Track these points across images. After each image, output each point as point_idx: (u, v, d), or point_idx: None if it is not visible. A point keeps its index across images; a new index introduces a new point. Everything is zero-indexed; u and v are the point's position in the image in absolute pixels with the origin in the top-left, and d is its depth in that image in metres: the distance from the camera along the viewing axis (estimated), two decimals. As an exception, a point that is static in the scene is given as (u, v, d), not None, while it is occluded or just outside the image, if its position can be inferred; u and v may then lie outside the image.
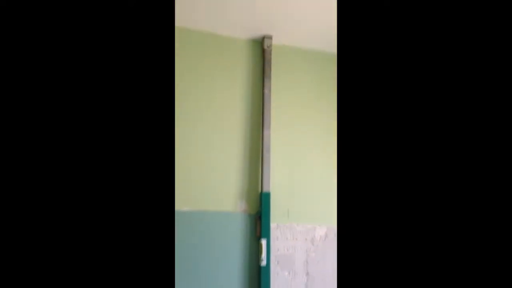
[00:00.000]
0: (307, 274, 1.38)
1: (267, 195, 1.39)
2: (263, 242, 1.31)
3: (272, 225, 1.38)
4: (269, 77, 1.53)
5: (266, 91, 1.53)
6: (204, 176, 1.39)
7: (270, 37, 1.55)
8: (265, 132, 1.48)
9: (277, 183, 1.46)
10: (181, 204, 1.32)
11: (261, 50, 1.57)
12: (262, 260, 1.28)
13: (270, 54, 1.56)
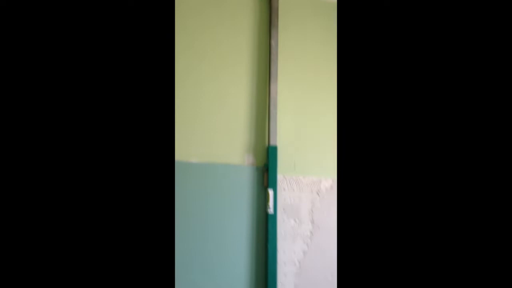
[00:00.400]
0: (312, 222, 1.45)
1: (274, 149, 1.42)
2: (270, 192, 1.36)
3: (279, 176, 1.42)
4: (276, 28, 1.48)
5: (273, 42, 1.48)
6: (212, 129, 1.42)
7: (277, -16, 1.47)
8: (272, 86, 1.46)
9: (284, 136, 1.48)
10: (190, 156, 1.37)
11: (267, -2, 1.50)
12: (269, 208, 1.34)
13: (277, 2, 1.48)
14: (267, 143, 1.46)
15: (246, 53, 1.49)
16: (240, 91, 1.48)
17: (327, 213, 1.48)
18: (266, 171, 1.40)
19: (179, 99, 1.38)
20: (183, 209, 1.30)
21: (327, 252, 1.43)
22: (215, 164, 1.39)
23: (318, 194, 1.49)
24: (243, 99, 1.48)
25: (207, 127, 1.42)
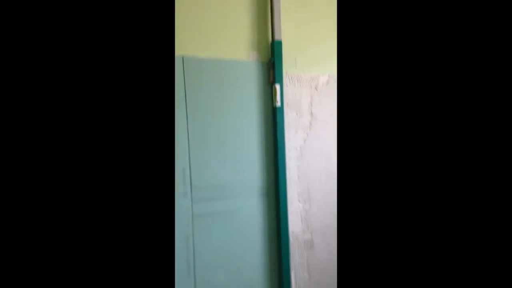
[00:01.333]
0: (311, 114, 1.60)
1: (279, 44, 1.43)
2: (277, 86, 1.43)
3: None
4: None
5: None
6: (216, 26, 1.36)
7: None
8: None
9: (285, 33, 1.48)
10: (197, 51, 1.33)
11: None
12: (277, 102, 1.44)
13: None
14: (270, 39, 1.46)
15: None
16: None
17: (324, 105, 1.63)
18: (271, 67, 1.44)
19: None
20: (194, 102, 1.33)
21: (322, 138, 1.64)
22: (222, 60, 1.38)
23: (316, 89, 1.61)
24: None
25: (212, 24, 1.35)
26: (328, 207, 1.64)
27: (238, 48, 1.42)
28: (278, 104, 1.44)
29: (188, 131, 1.31)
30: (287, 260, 1.45)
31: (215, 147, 1.37)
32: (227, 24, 1.39)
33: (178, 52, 1.29)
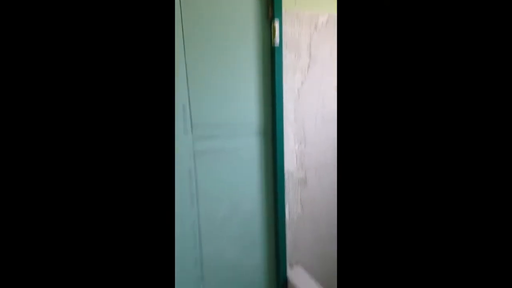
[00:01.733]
0: (310, 56, 1.59)
1: (279, -23, 1.36)
2: (276, 23, 1.40)
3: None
4: None
5: None
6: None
7: None
8: None
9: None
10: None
11: None
12: (275, 39, 1.41)
13: None
14: (270, -29, 1.38)
15: None
16: None
17: (322, 46, 1.61)
18: (270, 2, 1.39)
19: None
20: (192, 37, 1.31)
21: (320, 81, 1.65)
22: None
23: (315, 28, 1.57)
24: None
25: None
26: (322, 149, 1.72)
27: (237, -20, 1.35)
28: (277, 43, 1.42)
29: (186, 67, 1.31)
30: (282, 195, 1.56)
31: (214, 85, 1.38)
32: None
33: (174, -18, 1.22)
